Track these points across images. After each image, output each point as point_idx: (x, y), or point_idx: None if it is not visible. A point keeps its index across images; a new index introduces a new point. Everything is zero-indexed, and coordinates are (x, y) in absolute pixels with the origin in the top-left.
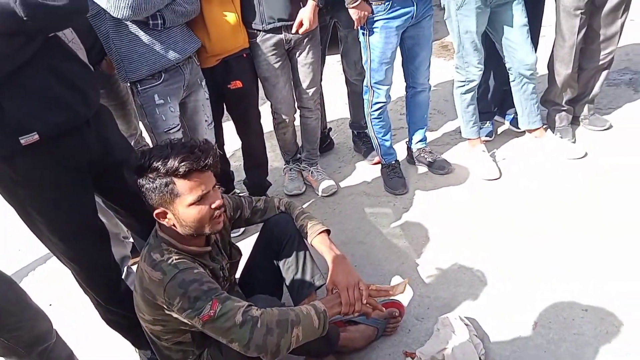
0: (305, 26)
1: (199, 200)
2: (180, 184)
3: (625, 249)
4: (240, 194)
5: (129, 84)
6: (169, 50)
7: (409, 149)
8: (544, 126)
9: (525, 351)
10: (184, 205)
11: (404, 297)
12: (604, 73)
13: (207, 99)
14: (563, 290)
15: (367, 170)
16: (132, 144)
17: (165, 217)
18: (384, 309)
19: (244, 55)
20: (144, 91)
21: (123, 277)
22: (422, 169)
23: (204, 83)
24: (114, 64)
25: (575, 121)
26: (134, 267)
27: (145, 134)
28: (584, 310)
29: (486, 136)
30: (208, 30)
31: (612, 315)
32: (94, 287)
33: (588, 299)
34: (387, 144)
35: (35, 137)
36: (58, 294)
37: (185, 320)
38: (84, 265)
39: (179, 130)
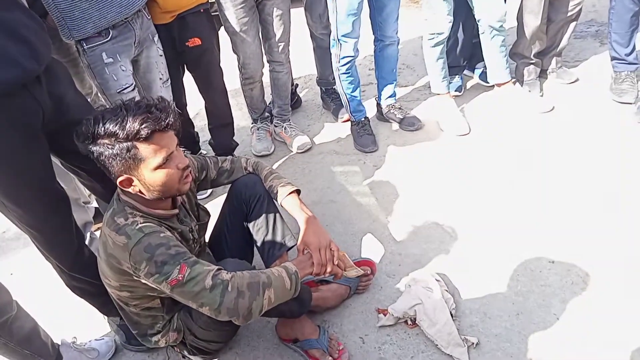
0: None
1: (165, 163)
2: (143, 148)
3: (590, 202)
4: (205, 155)
5: (74, 42)
6: (115, 5)
7: (378, 105)
8: (513, 80)
9: (493, 303)
10: (150, 169)
11: (375, 255)
12: (572, 25)
13: (161, 55)
14: (530, 244)
15: (336, 128)
16: None
17: (131, 185)
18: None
19: (201, 10)
20: (90, 50)
21: (87, 242)
22: (392, 125)
23: (156, 38)
24: (55, 22)
25: (543, 74)
26: (97, 233)
27: None
28: (550, 262)
29: (455, 91)
30: None
31: (577, 266)
32: (56, 254)
33: (555, 251)
34: (357, 100)
35: None
36: (19, 263)
37: (153, 286)
38: (44, 231)
39: (133, 89)
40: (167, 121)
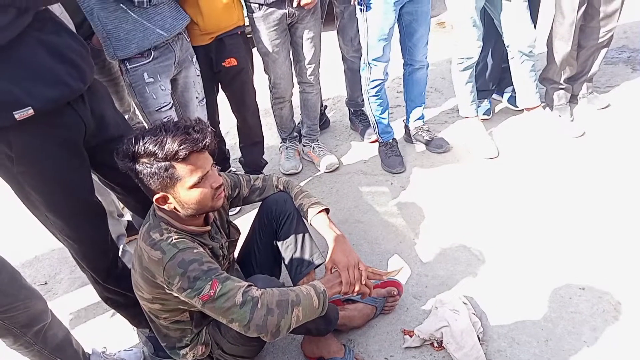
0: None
1: (200, 182)
2: (180, 168)
3: (622, 228)
4: (236, 173)
5: (117, 62)
6: (158, 28)
7: (406, 127)
8: (542, 104)
9: (522, 329)
10: (185, 188)
11: (402, 276)
12: (603, 51)
13: (198, 75)
14: (560, 269)
15: (364, 149)
16: None
17: (166, 202)
18: (381, 289)
19: (239, 32)
20: (133, 70)
21: (119, 254)
22: (420, 147)
23: (194, 59)
24: (101, 42)
25: (573, 100)
26: (128, 246)
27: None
28: (581, 289)
29: (484, 114)
30: (200, 7)
31: (608, 293)
32: (91, 265)
33: (585, 278)
34: (385, 121)
35: (29, 111)
36: (54, 273)
37: (185, 300)
38: (81, 242)
39: (171, 108)
40: (204, 142)
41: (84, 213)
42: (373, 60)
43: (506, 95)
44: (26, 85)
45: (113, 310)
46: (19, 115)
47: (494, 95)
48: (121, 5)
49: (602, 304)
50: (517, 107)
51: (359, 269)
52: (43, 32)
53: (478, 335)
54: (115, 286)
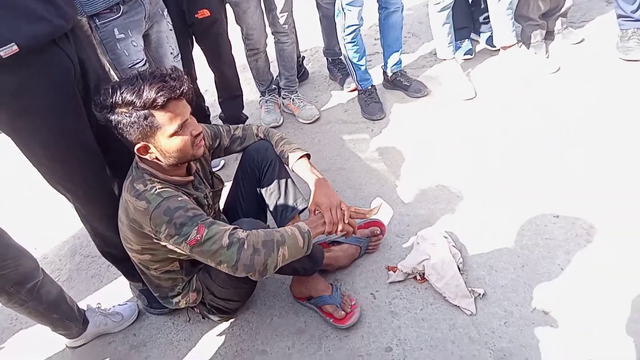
0: None
1: (180, 130)
2: (159, 115)
3: (593, 159)
4: (215, 124)
5: (86, 19)
6: None
7: (384, 73)
8: (518, 42)
9: (499, 257)
10: (166, 136)
11: (385, 217)
12: None
13: (171, 29)
14: (535, 200)
15: (344, 98)
16: None
17: (147, 152)
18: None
19: None
20: (102, 26)
21: None
22: (399, 93)
23: (166, 13)
24: None
25: (549, 36)
26: None
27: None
28: (555, 217)
29: (466, 54)
30: None
31: (580, 219)
32: (93, 213)
33: (559, 207)
34: (363, 68)
35: (14, 48)
36: (42, 239)
37: (173, 247)
38: (82, 187)
39: (144, 64)
40: (181, 89)
41: (83, 156)
42: (347, 5)
43: (484, 36)
44: (7, 24)
45: (108, 264)
46: (4, 52)
47: (472, 36)
48: None
49: (575, 229)
50: (495, 47)
51: (341, 209)
52: None
53: (458, 266)
54: (115, 234)
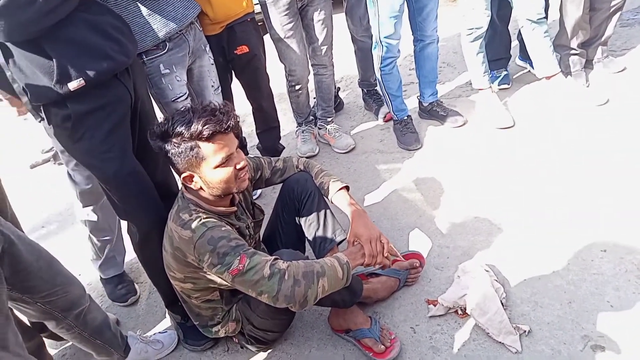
0: None
1: (224, 162)
2: (205, 147)
3: None
4: (257, 156)
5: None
6: (170, 19)
7: (420, 103)
8: (560, 71)
9: (545, 293)
10: (210, 168)
11: (424, 249)
12: (617, 13)
13: (212, 64)
14: (581, 233)
15: (379, 128)
16: None
17: (192, 181)
18: (404, 259)
19: (248, 19)
20: (149, 62)
21: None
22: (435, 122)
23: (207, 48)
24: None
25: (588, 65)
26: None
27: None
28: (602, 251)
29: (503, 84)
30: None
31: (630, 254)
32: (136, 213)
33: (606, 240)
34: (399, 99)
35: (81, 82)
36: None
37: (215, 277)
38: (126, 180)
39: (187, 98)
40: (228, 123)
41: (130, 178)
42: (385, 38)
43: (530, 62)
44: (77, 61)
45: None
46: (72, 86)
47: (520, 62)
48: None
49: (624, 264)
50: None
51: (380, 241)
52: (88, 12)
53: (501, 301)
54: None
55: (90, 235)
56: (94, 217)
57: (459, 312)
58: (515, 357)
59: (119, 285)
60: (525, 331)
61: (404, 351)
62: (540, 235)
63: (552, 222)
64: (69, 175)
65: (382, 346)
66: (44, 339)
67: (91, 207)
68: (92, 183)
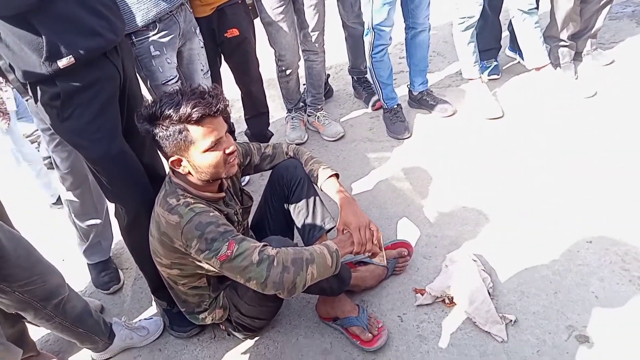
0: None
1: (213, 146)
2: (194, 130)
3: (629, 184)
4: (246, 142)
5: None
6: None
7: (410, 92)
8: (550, 63)
9: (531, 283)
10: (199, 152)
11: (412, 237)
12: (607, 6)
13: (202, 47)
14: (567, 224)
15: (368, 116)
16: None
17: (180, 165)
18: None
19: (239, 1)
20: (139, 43)
21: None
22: (425, 112)
23: (198, 31)
24: None
25: (577, 57)
26: None
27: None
28: (588, 242)
29: (493, 74)
30: None
31: (615, 246)
32: (123, 197)
33: (592, 232)
34: (389, 87)
35: (71, 60)
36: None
37: (203, 263)
38: (114, 162)
39: (177, 81)
40: (217, 106)
41: (118, 159)
42: (378, 24)
43: (520, 53)
44: (66, 38)
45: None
46: (62, 63)
47: (510, 53)
48: None
49: (609, 256)
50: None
51: (369, 229)
52: None
53: (488, 290)
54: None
55: (74, 218)
56: (76, 200)
57: (446, 301)
58: (501, 346)
59: (102, 272)
60: (511, 320)
61: (391, 339)
62: (528, 226)
63: (539, 213)
64: (52, 158)
65: (370, 334)
66: (27, 325)
67: (72, 192)
68: (70, 167)
